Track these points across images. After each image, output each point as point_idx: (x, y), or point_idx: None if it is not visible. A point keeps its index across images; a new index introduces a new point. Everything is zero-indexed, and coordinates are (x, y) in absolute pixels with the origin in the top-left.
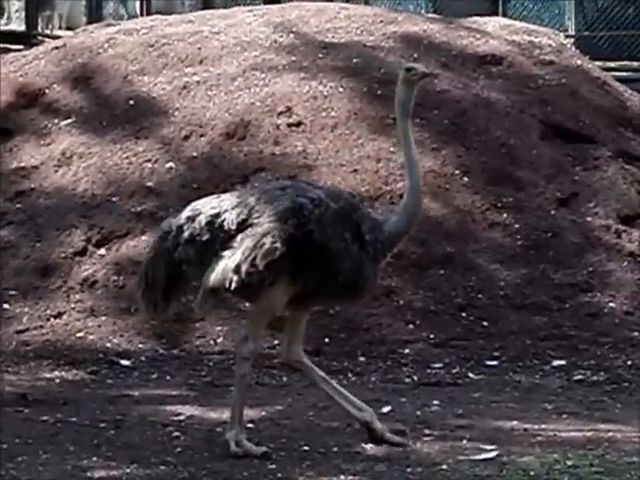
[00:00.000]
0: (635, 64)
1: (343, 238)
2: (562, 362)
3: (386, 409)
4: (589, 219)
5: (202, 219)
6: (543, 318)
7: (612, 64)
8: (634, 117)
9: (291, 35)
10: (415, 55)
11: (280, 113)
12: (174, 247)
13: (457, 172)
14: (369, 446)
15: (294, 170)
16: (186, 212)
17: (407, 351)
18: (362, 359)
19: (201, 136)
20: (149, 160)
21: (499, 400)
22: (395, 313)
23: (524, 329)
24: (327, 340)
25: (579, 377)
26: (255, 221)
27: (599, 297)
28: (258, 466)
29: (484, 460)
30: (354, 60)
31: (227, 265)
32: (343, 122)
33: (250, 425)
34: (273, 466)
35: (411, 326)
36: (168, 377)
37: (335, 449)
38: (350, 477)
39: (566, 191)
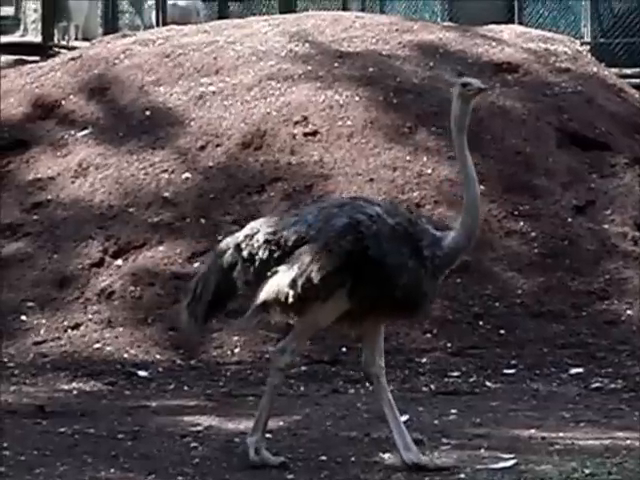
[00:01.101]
0: None
1: (400, 253)
2: (579, 370)
3: (404, 418)
4: (606, 226)
5: (260, 237)
6: (560, 326)
7: (628, 71)
8: None
9: (307, 44)
10: (431, 63)
11: (296, 122)
12: (231, 266)
13: None
14: (387, 456)
15: (310, 180)
16: (244, 231)
17: (424, 360)
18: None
19: (217, 146)
20: (165, 170)
21: (517, 408)
22: (412, 322)
23: (541, 337)
24: (344, 349)
25: (597, 385)
26: (313, 237)
27: (616, 305)
28: (276, 476)
29: (502, 469)
30: (370, 69)
31: (282, 279)
32: (359, 131)
33: (268, 435)
34: (291, 476)
35: (428, 335)
36: (185, 388)
37: (353, 459)
38: None
39: (582, 199)
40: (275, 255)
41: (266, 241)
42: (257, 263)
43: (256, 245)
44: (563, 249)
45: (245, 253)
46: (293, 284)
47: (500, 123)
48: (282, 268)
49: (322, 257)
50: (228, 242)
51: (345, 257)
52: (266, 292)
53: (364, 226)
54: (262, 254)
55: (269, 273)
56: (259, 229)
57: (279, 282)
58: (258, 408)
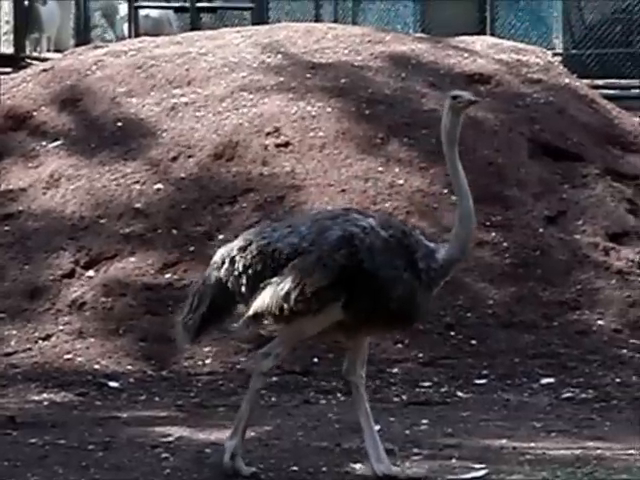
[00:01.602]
0: (623, 82)
1: (394, 266)
2: (551, 380)
3: (375, 428)
4: (577, 237)
5: (254, 249)
6: (532, 336)
7: (600, 82)
8: (622, 135)
9: (279, 56)
10: (403, 75)
11: (268, 133)
12: (227, 277)
13: (445, 191)
14: (358, 466)
15: (282, 190)
16: (238, 242)
17: (396, 370)
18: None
19: (189, 157)
20: (137, 182)
21: (488, 419)
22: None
23: (513, 347)
24: (316, 360)
25: (568, 395)
26: (306, 250)
27: (588, 315)
28: None
29: (473, 479)
30: (342, 80)
31: (275, 292)
32: (331, 142)
33: None
34: None
35: (400, 345)
36: (157, 398)
37: (324, 469)
38: None
39: (554, 209)
40: (269, 267)
41: (260, 252)
42: (251, 274)
43: (249, 257)
44: (535, 259)
45: (239, 265)
46: (287, 297)
47: (472, 134)
48: (275, 280)
49: (316, 271)
50: (222, 254)
51: (339, 271)
52: (259, 304)
53: (358, 239)
54: (256, 266)
55: (262, 284)
56: (252, 240)
57: (272, 294)
58: (238, 412)
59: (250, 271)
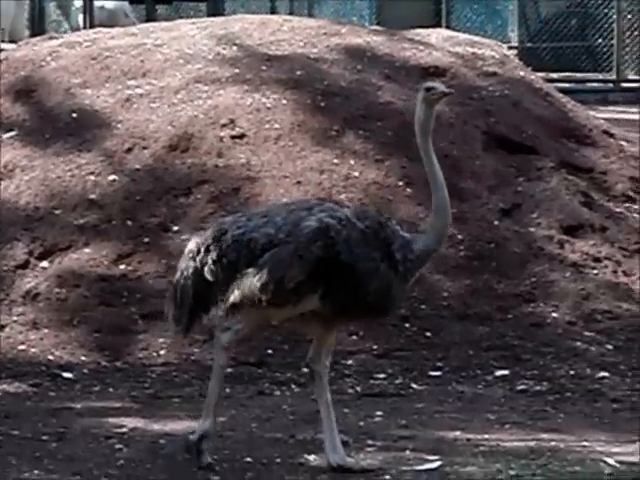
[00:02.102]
0: (578, 75)
1: (372, 258)
2: (505, 372)
3: (334, 419)
4: (532, 230)
5: (229, 238)
6: (486, 328)
7: (555, 75)
8: (577, 128)
9: (234, 47)
10: (359, 67)
11: (223, 125)
12: (202, 266)
13: (401, 183)
14: (312, 457)
15: (237, 182)
16: (213, 231)
17: (350, 362)
18: (305, 370)
19: (144, 148)
20: (92, 173)
21: (442, 410)
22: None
23: (467, 339)
24: (270, 351)
25: (522, 387)
26: (282, 241)
27: (542, 307)
28: (201, 478)
29: (427, 470)
30: (297, 72)
31: (253, 283)
32: (286, 134)
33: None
34: (216, 477)
35: (354, 337)
36: (111, 389)
37: (278, 460)
38: None
39: (509, 202)
40: (244, 257)
41: (235, 242)
42: (225, 264)
43: (224, 246)
44: (489, 252)
45: (214, 254)
46: (264, 289)
47: None
48: (252, 271)
49: (294, 264)
50: (198, 243)
51: (316, 263)
52: (237, 294)
53: (334, 231)
54: (231, 255)
55: (239, 275)
56: (227, 229)
57: (250, 285)
58: (208, 393)
59: (225, 260)
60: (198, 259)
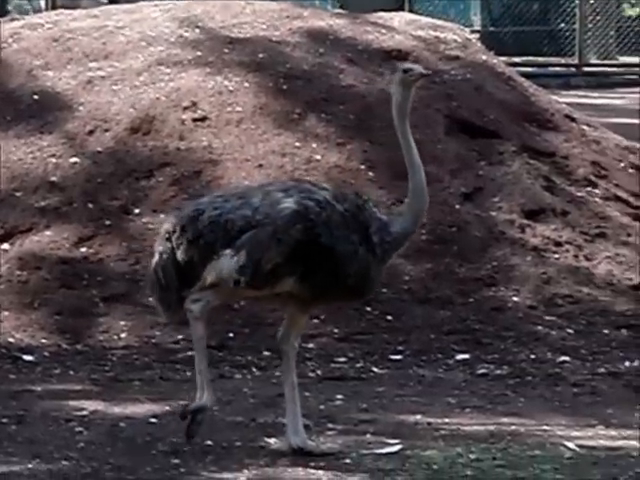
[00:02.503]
0: (540, 59)
1: (351, 241)
2: (466, 356)
3: (298, 401)
4: (493, 214)
5: (205, 219)
6: (447, 312)
7: (517, 59)
8: (539, 112)
9: (197, 30)
10: (321, 50)
11: (185, 108)
12: (178, 247)
13: (362, 167)
14: (273, 440)
15: (199, 165)
16: (189, 211)
17: (311, 345)
18: (266, 353)
19: (106, 131)
20: (53, 155)
21: (403, 394)
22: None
23: (428, 323)
24: (231, 335)
25: (482, 371)
26: (260, 223)
27: (503, 291)
28: (161, 461)
29: (388, 454)
30: (259, 55)
31: (231, 265)
32: (248, 117)
33: (153, 420)
34: (176, 460)
35: (315, 320)
36: (71, 372)
37: (238, 444)
38: (254, 472)
39: (471, 186)
40: (221, 238)
41: (211, 223)
42: (202, 244)
43: (201, 226)
44: (451, 236)
45: (190, 233)
46: (242, 271)
47: (389, 110)
48: (229, 252)
49: (272, 247)
50: (173, 223)
51: (295, 246)
52: (214, 275)
53: (313, 213)
54: (207, 236)
55: (215, 256)
56: (204, 210)
57: (228, 267)
58: (196, 368)
59: (201, 241)
60: (174, 239)
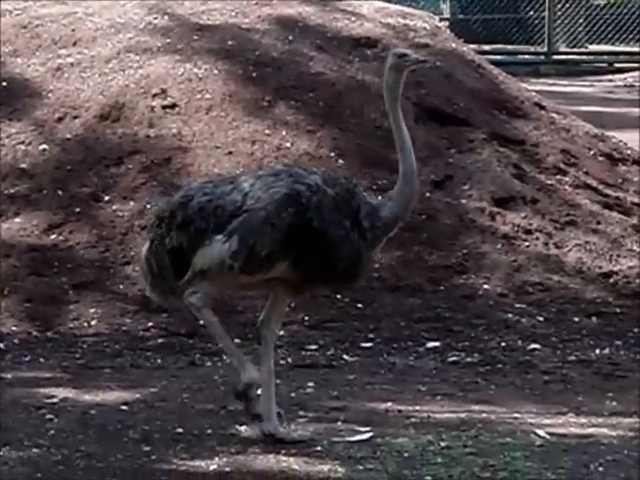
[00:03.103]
0: (509, 47)
1: (342, 225)
2: (436, 344)
3: (273, 388)
4: (463, 201)
5: (194, 205)
6: (417, 300)
7: (486, 47)
8: (508, 100)
9: (165, 17)
10: (290, 37)
11: (155, 95)
12: (167, 233)
13: (332, 154)
14: (243, 428)
15: (169, 152)
16: (178, 197)
17: (282, 333)
18: (237, 341)
19: (75, 118)
20: (22, 142)
21: (373, 382)
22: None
23: (398, 311)
24: (202, 322)
25: (453, 359)
26: (250, 207)
27: (473, 279)
28: (132, 448)
29: (358, 441)
30: (229, 42)
31: (222, 250)
32: (218, 104)
33: (124, 407)
34: (148, 448)
35: (287, 308)
36: (41, 359)
37: (209, 431)
38: (225, 459)
39: (440, 174)
40: (212, 223)
41: (201, 209)
42: (192, 230)
43: (190, 212)
44: (421, 223)
45: (179, 219)
46: (235, 257)
47: (359, 98)
48: (220, 238)
49: (264, 231)
50: (163, 209)
51: (287, 230)
52: (206, 261)
53: (304, 197)
54: (198, 222)
55: (207, 242)
56: (194, 195)
57: (220, 252)
58: (225, 351)
59: (192, 227)
60: (164, 226)
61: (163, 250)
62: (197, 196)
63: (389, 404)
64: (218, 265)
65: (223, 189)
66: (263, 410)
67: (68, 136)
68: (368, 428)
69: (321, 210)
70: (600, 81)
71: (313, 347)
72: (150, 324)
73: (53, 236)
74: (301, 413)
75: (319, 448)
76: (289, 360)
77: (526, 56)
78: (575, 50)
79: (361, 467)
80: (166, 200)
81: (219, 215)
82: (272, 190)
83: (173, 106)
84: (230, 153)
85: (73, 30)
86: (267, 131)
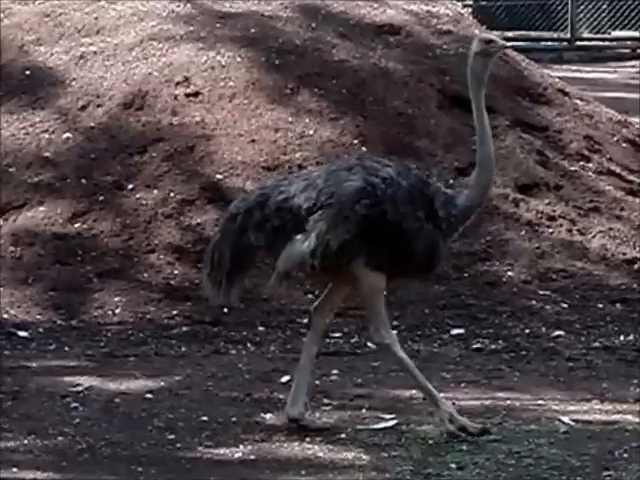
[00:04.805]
0: (532, 34)
1: (417, 217)
2: (461, 331)
3: (285, 379)
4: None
5: (272, 204)
6: (442, 287)
7: (510, 34)
8: (532, 87)
9: (188, 5)
10: (313, 25)
11: (178, 83)
12: (242, 231)
13: (356, 142)
14: (268, 416)
15: (192, 140)
16: (255, 196)
17: (306, 320)
18: (261, 329)
19: (98, 106)
20: (46, 131)
21: (398, 369)
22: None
23: (423, 298)
24: (226, 310)
25: (477, 346)
26: (326, 203)
27: (497, 266)
28: (157, 437)
29: (383, 429)
30: (252, 30)
31: (302, 249)
32: (241, 92)
33: (149, 395)
34: (172, 436)
35: (310, 295)
36: (66, 348)
37: (234, 419)
38: (249, 447)
39: (464, 160)
40: (288, 223)
41: (278, 209)
42: (270, 230)
43: (267, 212)
44: None
45: (256, 220)
46: (313, 254)
47: (382, 85)
48: (299, 237)
49: (339, 225)
50: (239, 207)
51: (362, 223)
52: (288, 262)
53: (379, 190)
54: (274, 221)
55: (287, 242)
56: (270, 195)
57: (299, 252)
58: (414, 379)
59: (269, 226)
60: (238, 223)
61: (229, 245)
62: (273, 195)
63: (413, 391)
64: (300, 265)
65: (297, 186)
66: (292, 394)
67: (92, 124)
68: (393, 415)
69: (396, 202)
70: (623, 67)
71: (337, 335)
72: (174, 312)
73: (77, 224)
74: (326, 401)
75: (343, 435)
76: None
77: (549, 42)
78: (598, 36)
79: (385, 454)
80: (242, 198)
81: (296, 213)
82: (346, 184)
83: (196, 94)
84: (253, 141)
85: (96, 18)
86: (290, 119)
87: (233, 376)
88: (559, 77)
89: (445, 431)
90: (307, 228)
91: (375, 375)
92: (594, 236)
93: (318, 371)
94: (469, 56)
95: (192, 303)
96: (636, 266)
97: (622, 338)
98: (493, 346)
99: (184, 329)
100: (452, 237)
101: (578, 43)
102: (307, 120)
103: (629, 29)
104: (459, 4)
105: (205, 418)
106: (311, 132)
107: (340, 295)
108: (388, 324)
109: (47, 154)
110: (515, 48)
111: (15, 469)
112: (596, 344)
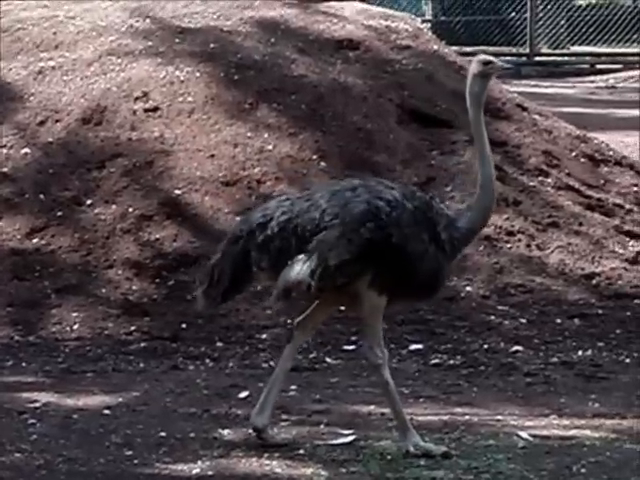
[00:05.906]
0: (491, 49)
1: (421, 239)
2: (419, 346)
3: (244, 394)
4: (446, 203)
5: (274, 225)
6: None
7: (469, 49)
8: (490, 102)
9: (147, 20)
10: (272, 40)
11: (137, 98)
12: (245, 252)
13: (314, 157)
14: (226, 431)
15: (151, 156)
16: (257, 217)
17: (264, 336)
18: (220, 344)
19: (57, 121)
20: (4, 146)
21: (356, 385)
22: (252, 298)
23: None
24: (184, 325)
25: (436, 361)
26: (329, 224)
27: (456, 281)
28: (115, 453)
29: (341, 444)
30: (211, 45)
31: (302, 269)
32: (200, 107)
33: (107, 411)
34: (130, 452)
35: (268, 311)
36: (24, 364)
37: (192, 435)
38: (207, 463)
39: (423, 175)
40: (291, 243)
41: (281, 229)
42: (273, 251)
43: (270, 233)
44: None
45: (259, 240)
46: (312, 275)
47: (341, 100)
48: (301, 257)
49: (341, 247)
50: (242, 228)
51: (366, 246)
52: (287, 281)
53: (384, 213)
54: (277, 242)
55: (289, 261)
56: (272, 215)
57: (299, 271)
58: (391, 412)
59: (271, 246)
60: (241, 244)
61: (230, 266)
62: (276, 216)
63: (372, 407)
64: (298, 284)
65: (300, 207)
66: (260, 403)
67: (50, 140)
68: (351, 431)
69: (400, 225)
70: (582, 82)
71: None
72: (132, 328)
73: (35, 240)
74: (284, 416)
75: (302, 451)
76: (272, 363)
77: (508, 58)
78: (557, 51)
79: (344, 470)
80: (244, 219)
81: (299, 234)
82: (350, 205)
83: (155, 109)
84: (212, 156)
85: (55, 33)
86: (249, 134)
87: (191, 392)
88: (518, 92)
89: (404, 448)
90: (309, 249)
91: (334, 391)
92: (552, 251)
93: None
94: (468, 77)
95: (150, 319)
96: (594, 281)
97: (580, 353)
98: (451, 361)
99: (142, 345)
100: (454, 259)
101: (537, 58)
102: (266, 135)
103: (588, 44)
104: (418, 19)
105: (163, 434)
106: (270, 147)
107: (325, 314)
108: (383, 344)
109: (5, 169)
110: None
111: None
112: (554, 359)
